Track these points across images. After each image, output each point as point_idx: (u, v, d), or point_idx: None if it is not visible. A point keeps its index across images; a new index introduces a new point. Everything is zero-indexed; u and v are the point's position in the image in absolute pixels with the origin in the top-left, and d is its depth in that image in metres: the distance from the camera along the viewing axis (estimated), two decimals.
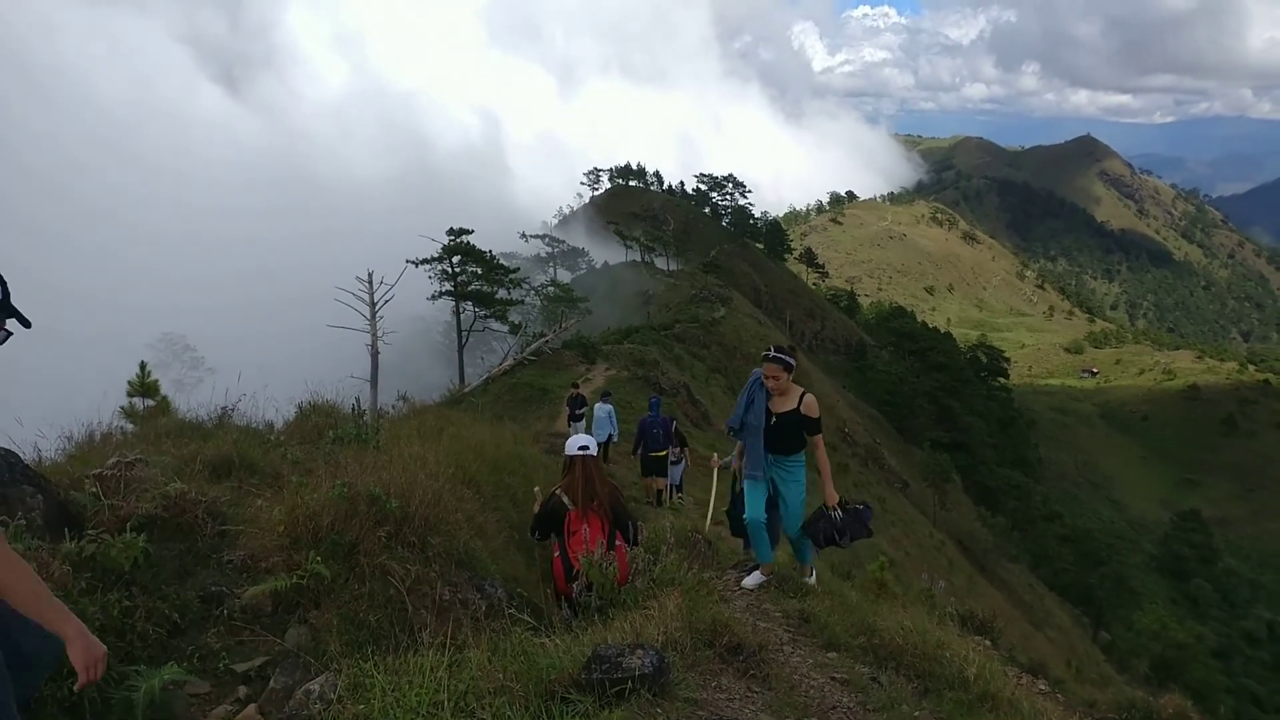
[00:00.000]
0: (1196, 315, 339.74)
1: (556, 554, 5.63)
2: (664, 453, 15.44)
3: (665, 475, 15.55)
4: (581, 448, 5.90)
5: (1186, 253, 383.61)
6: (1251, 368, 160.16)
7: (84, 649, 2.71)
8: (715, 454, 10.88)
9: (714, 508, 10.11)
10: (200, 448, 6.60)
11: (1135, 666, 41.68)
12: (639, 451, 15.74)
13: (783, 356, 6.36)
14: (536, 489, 7.34)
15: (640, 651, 3.73)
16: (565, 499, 5.65)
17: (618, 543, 5.61)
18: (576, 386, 21.48)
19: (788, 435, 6.40)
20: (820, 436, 6.42)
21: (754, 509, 6.53)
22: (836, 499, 6.40)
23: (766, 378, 6.36)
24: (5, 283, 2.75)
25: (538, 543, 6.21)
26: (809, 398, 6.41)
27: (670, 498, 15.52)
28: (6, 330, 2.78)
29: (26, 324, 2.83)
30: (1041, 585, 57.61)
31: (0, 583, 2.59)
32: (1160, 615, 47.20)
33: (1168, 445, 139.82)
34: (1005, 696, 4.67)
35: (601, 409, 18.41)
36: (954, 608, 7.66)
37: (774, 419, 6.36)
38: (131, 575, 4.58)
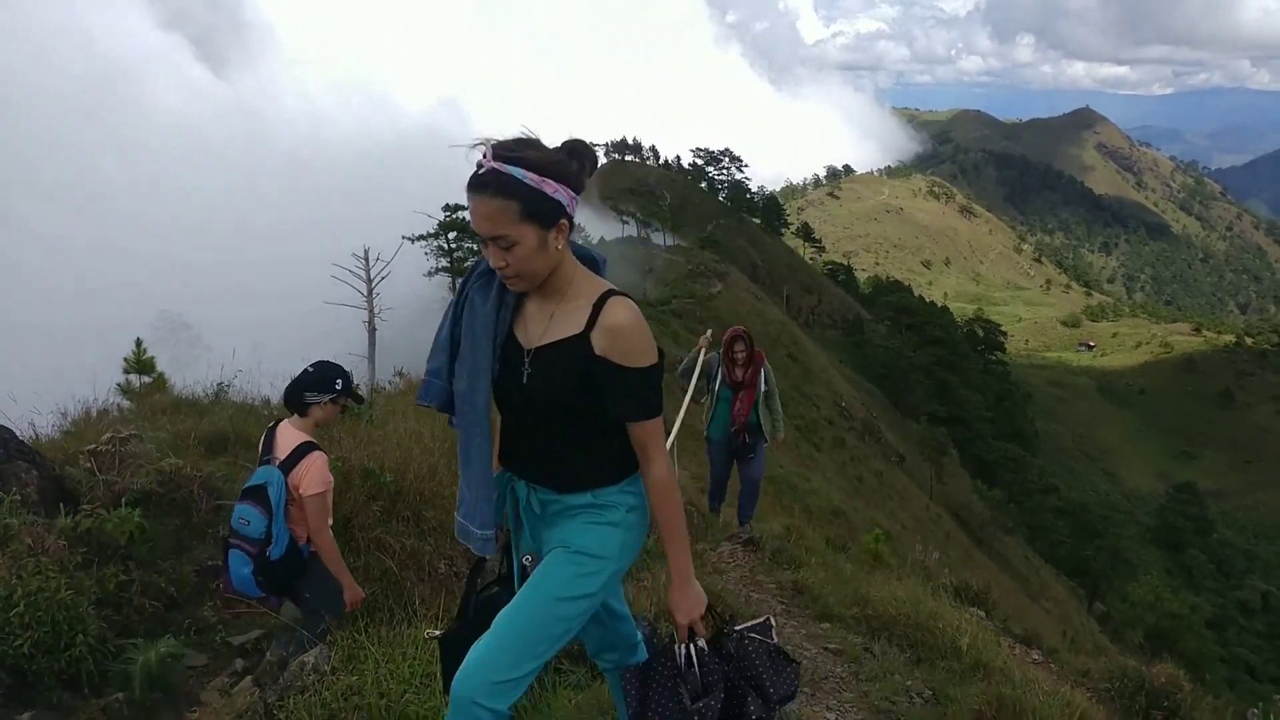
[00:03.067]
0: (1194, 288, 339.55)
1: None
2: None
3: None
4: None
5: (1184, 225, 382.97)
6: (1249, 340, 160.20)
7: (353, 593, 4.11)
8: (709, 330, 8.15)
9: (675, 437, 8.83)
10: (196, 423, 6.61)
11: (1130, 637, 41.89)
12: None
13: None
14: None
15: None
16: None
17: None
18: None
19: (553, 411, 2.34)
20: (656, 423, 2.33)
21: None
22: (700, 610, 2.40)
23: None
24: (348, 375, 4.25)
25: None
26: (620, 306, 2.29)
27: None
28: (345, 404, 4.26)
29: (360, 401, 4.38)
30: (1038, 557, 57.91)
31: (322, 541, 4.01)
32: (1155, 586, 47.38)
33: (1164, 418, 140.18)
34: (997, 665, 4.70)
35: None
36: (948, 579, 7.70)
37: (528, 363, 2.33)
38: (128, 550, 4.61)
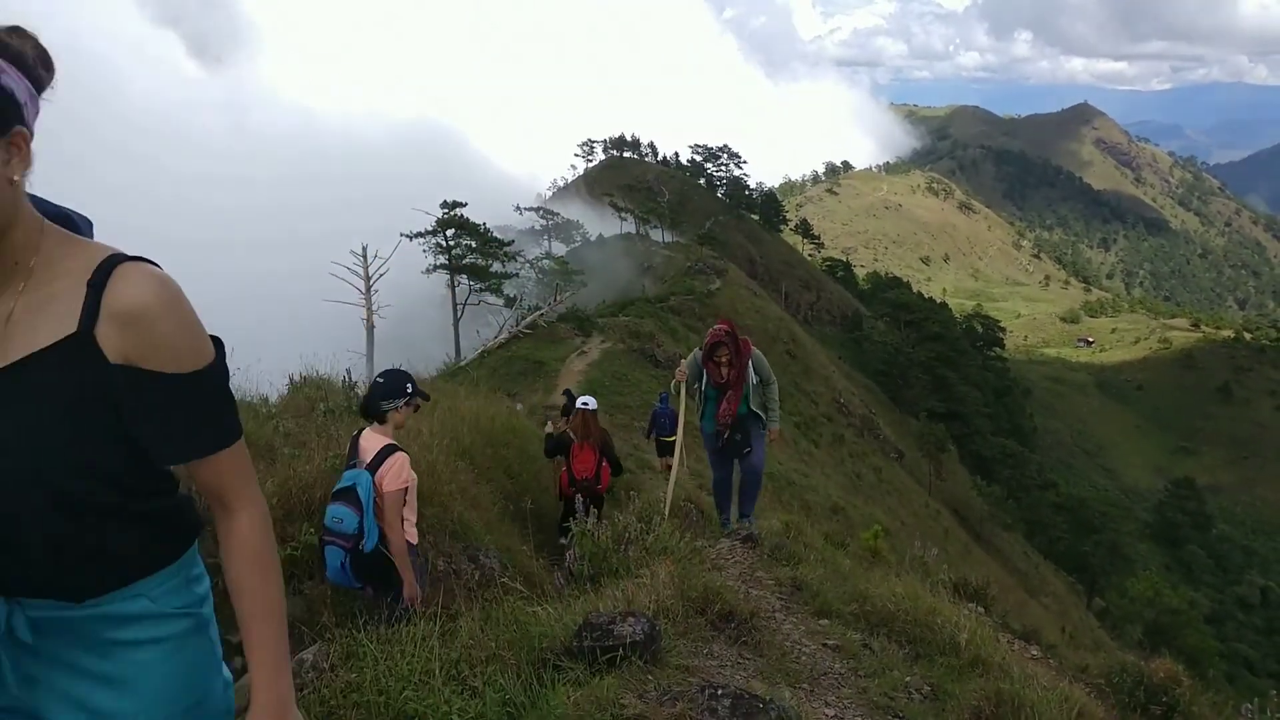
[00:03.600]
0: (1193, 283, 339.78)
1: (564, 470, 8.05)
2: (672, 438, 16.24)
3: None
4: (583, 403, 8.40)
5: (1183, 220, 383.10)
6: (1247, 335, 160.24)
7: (411, 590, 4.41)
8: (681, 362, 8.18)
9: (673, 484, 8.22)
10: None
11: (1129, 632, 41.99)
12: (652, 435, 16.39)
13: None
14: (549, 424, 10.50)
15: (631, 619, 3.73)
16: (571, 434, 8.12)
17: (604, 465, 7.99)
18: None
19: (40, 476, 1.37)
20: (235, 452, 1.58)
21: None
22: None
23: None
24: (413, 378, 4.73)
25: (549, 457, 8.93)
26: (137, 277, 1.39)
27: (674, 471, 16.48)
28: (418, 404, 4.75)
29: (426, 398, 4.88)
30: (1036, 553, 57.94)
31: (393, 536, 4.35)
32: (1154, 582, 47.51)
33: (1163, 413, 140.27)
34: (996, 661, 4.70)
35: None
36: (947, 575, 7.70)
37: None
38: None
